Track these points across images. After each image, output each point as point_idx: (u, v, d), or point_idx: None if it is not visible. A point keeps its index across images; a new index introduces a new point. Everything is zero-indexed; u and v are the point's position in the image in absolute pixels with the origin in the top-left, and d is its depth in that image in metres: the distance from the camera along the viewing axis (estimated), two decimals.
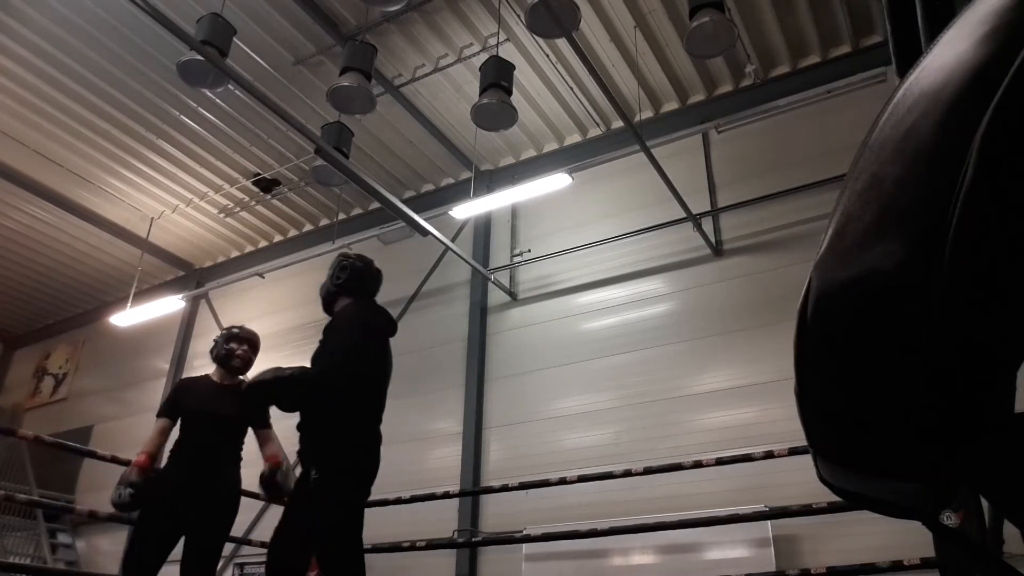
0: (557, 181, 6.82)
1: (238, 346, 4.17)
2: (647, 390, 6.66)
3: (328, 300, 3.57)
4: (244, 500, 4.16)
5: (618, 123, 7.84)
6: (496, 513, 6.90)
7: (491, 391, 7.59)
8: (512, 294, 7.95)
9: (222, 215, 9.96)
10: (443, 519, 6.94)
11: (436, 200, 8.77)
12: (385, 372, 3.49)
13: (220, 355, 4.17)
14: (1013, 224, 0.54)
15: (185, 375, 10.32)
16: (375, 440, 3.34)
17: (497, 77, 5.89)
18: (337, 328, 3.38)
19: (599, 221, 7.70)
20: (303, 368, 3.21)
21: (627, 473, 5.75)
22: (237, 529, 4.17)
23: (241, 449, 4.09)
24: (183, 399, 4.00)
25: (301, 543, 3.07)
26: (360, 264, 3.61)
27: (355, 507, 3.24)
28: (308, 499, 3.09)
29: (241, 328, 4.32)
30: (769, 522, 5.43)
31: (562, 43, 6.69)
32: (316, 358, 3.28)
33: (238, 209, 9.85)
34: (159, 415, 4.00)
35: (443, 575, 6.83)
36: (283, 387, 3.16)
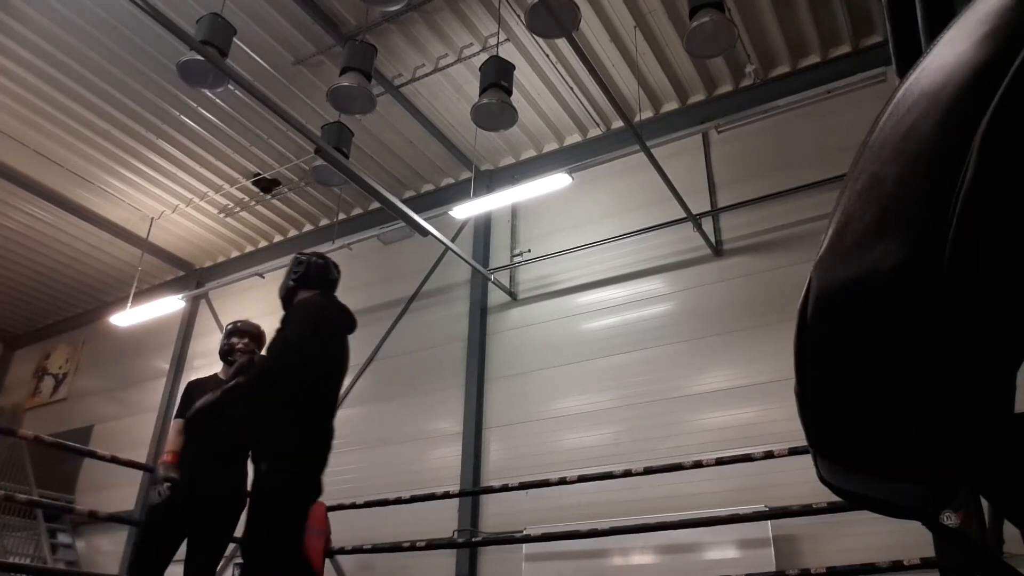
0: (557, 181, 6.82)
1: (239, 339, 4.19)
2: (647, 390, 6.66)
3: (287, 298, 3.56)
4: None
5: (618, 123, 7.84)
6: (496, 513, 6.90)
7: (491, 391, 7.59)
8: (512, 294, 7.95)
9: (222, 215, 9.97)
10: (443, 519, 6.94)
11: (436, 200, 8.78)
12: (340, 368, 3.45)
13: (223, 350, 4.20)
14: (1013, 224, 0.54)
15: (185, 375, 10.32)
16: (326, 435, 3.31)
17: (497, 77, 5.89)
18: (293, 319, 3.36)
19: (599, 221, 7.70)
20: (244, 376, 3.17)
21: (627, 473, 5.76)
22: (237, 528, 4.15)
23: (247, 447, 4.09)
24: (191, 399, 4.02)
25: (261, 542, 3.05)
26: (317, 259, 3.61)
27: (304, 502, 3.20)
28: (258, 493, 3.07)
29: (243, 322, 4.34)
30: (769, 522, 5.43)
31: (562, 43, 6.69)
32: (271, 347, 3.26)
33: (238, 209, 9.85)
34: (175, 416, 4.05)
35: (443, 575, 6.83)
36: (231, 399, 3.13)
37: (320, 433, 3.27)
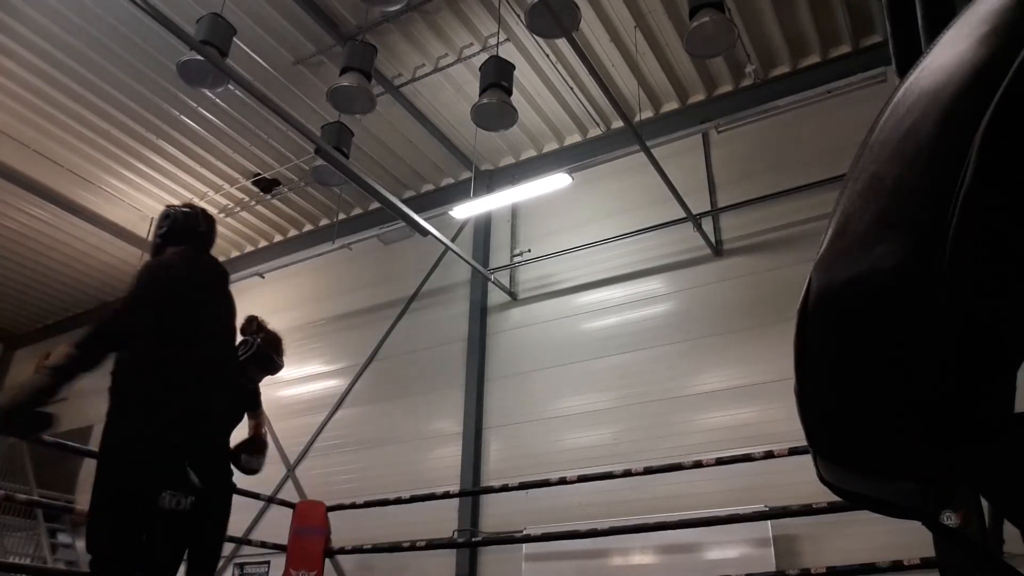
0: (557, 181, 6.82)
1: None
2: (647, 390, 6.66)
3: (155, 254, 3.28)
4: (245, 501, 4.15)
5: (618, 123, 7.84)
6: (496, 513, 6.90)
7: (491, 391, 7.59)
8: (512, 294, 7.95)
9: (222, 215, 9.96)
10: (443, 519, 6.94)
11: (436, 200, 8.78)
12: (197, 324, 3.09)
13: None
14: (1013, 224, 0.54)
15: None
16: (186, 405, 2.96)
17: (497, 77, 5.89)
18: (138, 275, 3.05)
19: (599, 221, 7.70)
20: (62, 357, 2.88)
21: (627, 473, 5.75)
22: (237, 528, 4.16)
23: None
24: None
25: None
26: (186, 210, 3.34)
27: (136, 481, 2.84)
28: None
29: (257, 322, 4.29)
30: (769, 522, 5.44)
31: (562, 43, 6.68)
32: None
33: (238, 209, 9.85)
34: None
35: (443, 575, 6.83)
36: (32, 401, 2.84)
37: (173, 400, 2.93)
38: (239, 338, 4.07)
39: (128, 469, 2.89)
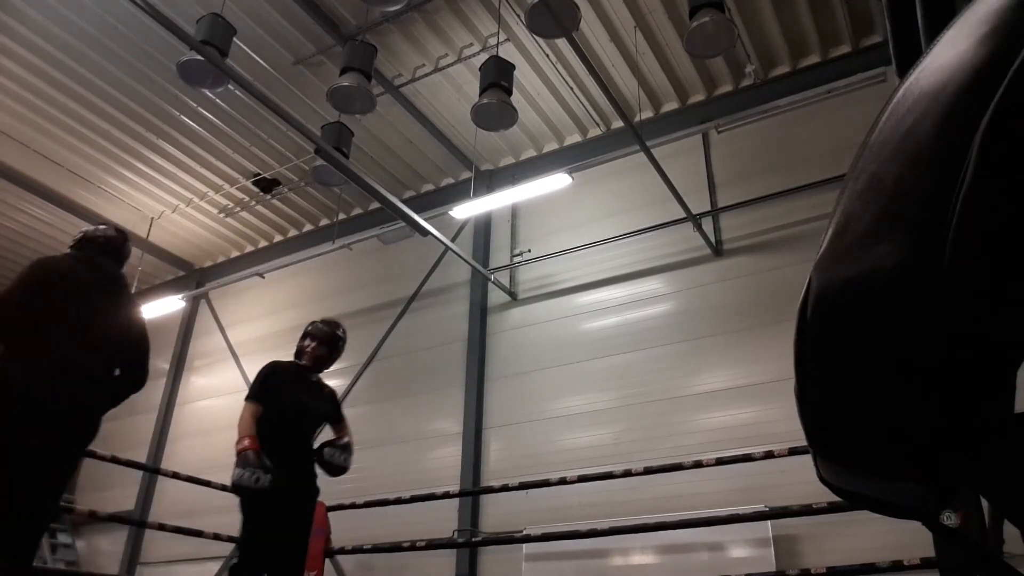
0: (557, 181, 6.82)
1: (310, 343, 4.22)
2: (647, 390, 6.65)
3: None
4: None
5: (618, 123, 7.84)
6: (496, 513, 6.90)
7: (491, 391, 7.59)
8: (512, 294, 7.95)
9: (222, 215, 9.97)
10: (443, 519, 6.94)
11: (436, 200, 8.78)
12: (67, 317, 3.19)
13: (296, 351, 4.27)
14: (1013, 224, 0.54)
15: (185, 375, 10.33)
16: (40, 393, 3.05)
17: (497, 77, 5.89)
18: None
19: (599, 221, 7.70)
20: None
21: (627, 473, 5.75)
22: (237, 527, 4.14)
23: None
24: (270, 382, 4.06)
25: None
26: (104, 226, 3.63)
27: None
28: None
29: (324, 322, 4.34)
30: (769, 522, 5.43)
31: (562, 43, 6.69)
32: None
33: (238, 209, 9.85)
34: (252, 399, 4.02)
35: (443, 575, 6.83)
36: None
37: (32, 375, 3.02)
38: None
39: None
